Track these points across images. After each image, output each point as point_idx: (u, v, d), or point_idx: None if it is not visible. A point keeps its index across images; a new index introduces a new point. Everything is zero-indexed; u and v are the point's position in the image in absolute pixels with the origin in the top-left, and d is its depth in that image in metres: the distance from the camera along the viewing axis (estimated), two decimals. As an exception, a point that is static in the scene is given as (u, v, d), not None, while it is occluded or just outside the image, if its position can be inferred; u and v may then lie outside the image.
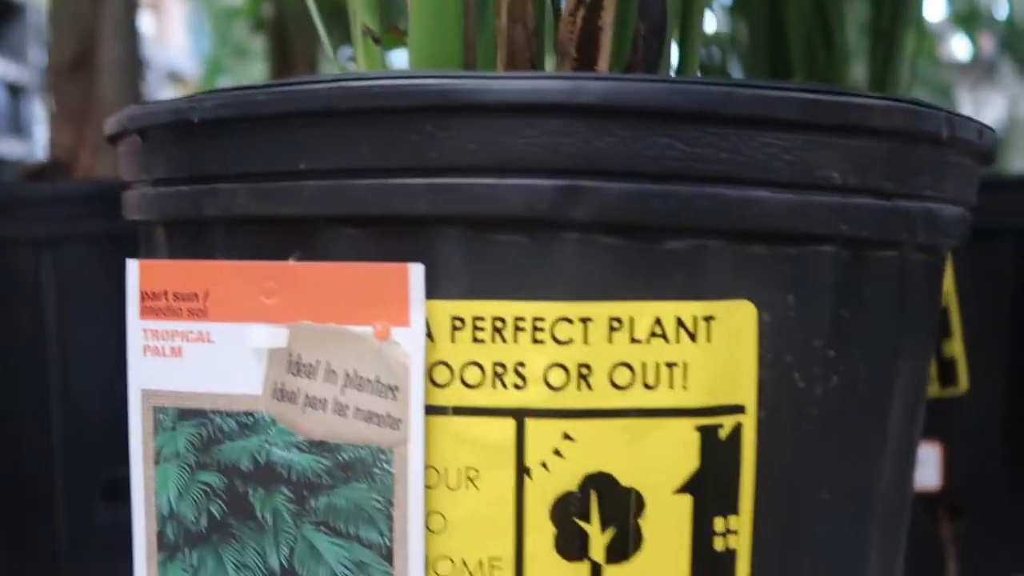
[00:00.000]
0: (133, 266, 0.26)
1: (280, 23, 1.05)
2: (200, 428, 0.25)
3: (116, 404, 0.62)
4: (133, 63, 0.66)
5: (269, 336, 0.24)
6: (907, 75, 0.65)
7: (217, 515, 0.25)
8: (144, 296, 0.26)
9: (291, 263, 0.24)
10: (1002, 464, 0.57)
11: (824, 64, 0.63)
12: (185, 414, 0.26)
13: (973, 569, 0.57)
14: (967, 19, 2.10)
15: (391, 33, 0.31)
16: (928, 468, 0.57)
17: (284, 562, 0.25)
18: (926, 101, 0.25)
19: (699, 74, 0.30)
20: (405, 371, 0.23)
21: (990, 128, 0.27)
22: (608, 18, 0.28)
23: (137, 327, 0.26)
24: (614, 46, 0.28)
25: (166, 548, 0.26)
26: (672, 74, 0.30)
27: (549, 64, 0.30)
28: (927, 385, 0.30)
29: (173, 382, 0.26)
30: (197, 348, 0.25)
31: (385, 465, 0.23)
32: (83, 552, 0.58)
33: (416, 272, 0.23)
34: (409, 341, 0.23)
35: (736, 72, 0.68)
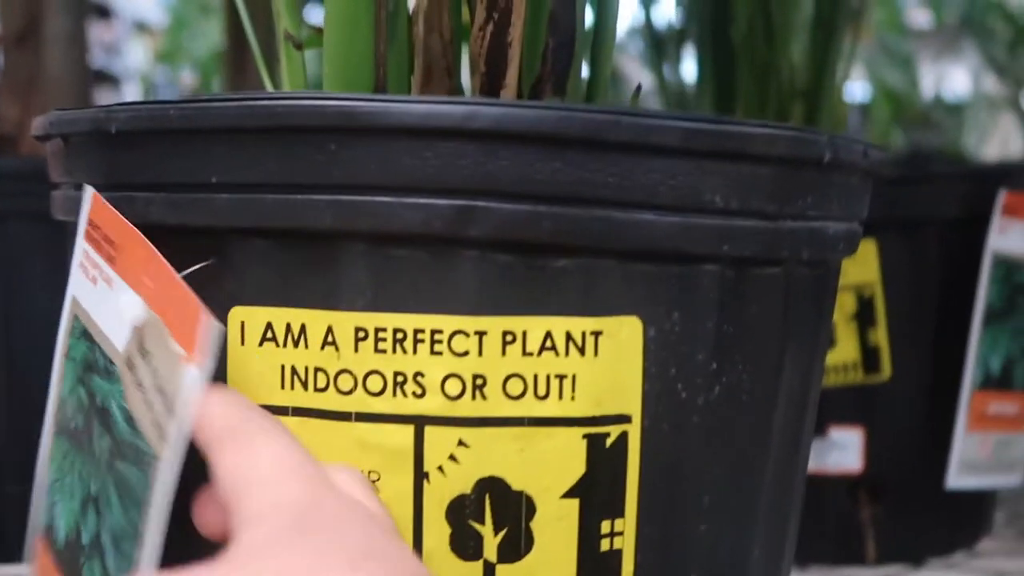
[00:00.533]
0: (88, 191, 0.27)
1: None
2: (88, 351, 0.27)
3: (42, 389, 0.63)
4: (80, 36, 0.66)
5: (136, 309, 0.25)
6: (845, 66, 0.66)
7: (79, 426, 0.28)
8: (90, 222, 0.27)
9: (166, 266, 0.25)
10: (921, 449, 0.59)
11: (765, 55, 0.64)
12: (85, 333, 0.27)
13: (890, 550, 0.60)
14: (931, -7, 2.11)
15: (314, 34, 0.32)
16: (850, 452, 0.59)
17: (94, 493, 0.27)
18: (811, 129, 0.26)
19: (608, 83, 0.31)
20: (184, 404, 0.23)
21: (877, 147, 0.29)
22: (516, 33, 0.29)
23: (81, 245, 0.28)
24: (523, 60, 0.29)
25: (57, 425, 0.29)
26: (584, 85, 0.31)
27: (467, 71, 0.31)
28: (818, 383, 0.31)
29: (87, 301, 0.28)
30: (103, 287, 0.27)
31: (148, 468, 0.24)
32: (26, 509, 0.59)
33: (206, 321, 0.23)
34: (191, 379, 0.23)
35: (689, 64, 0.69)
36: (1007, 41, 1.55)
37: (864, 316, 0.58)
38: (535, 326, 0.25)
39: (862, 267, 0.58)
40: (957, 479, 0.57)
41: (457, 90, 0.31)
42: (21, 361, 0.58)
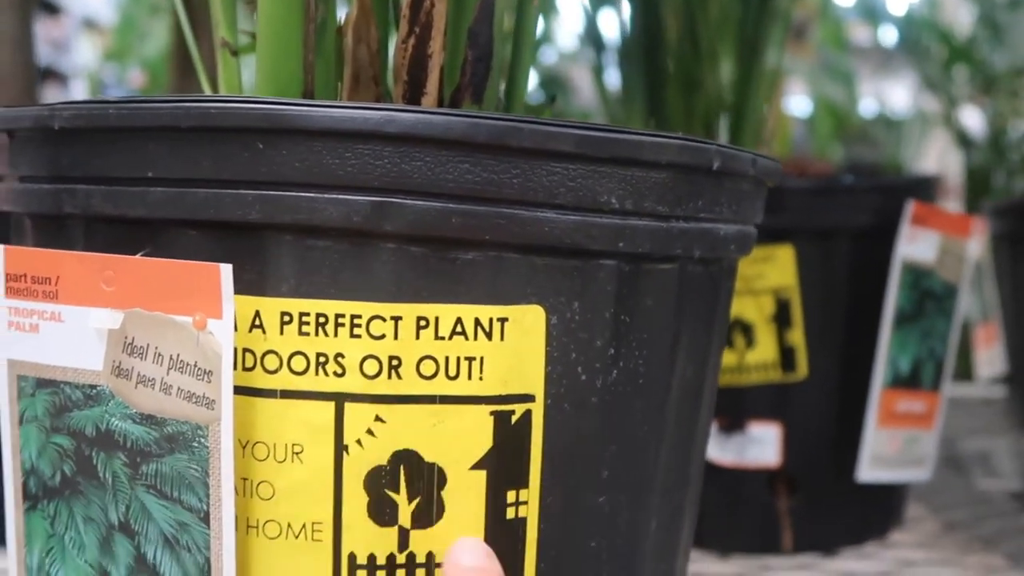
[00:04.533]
0: (0, 251, 0.29)
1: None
2: (54, 396, 0.28)
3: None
4: (26, 36, 0.67)
5: (108, 319, 0.27)
6: (774, 84, 0.69)
7: (68, 473, 0.29)
8: (8, 277, 0.29)
9: (127, 257, 0.27)
10: (835, 444, 0.62)
11: (693, 72, 0.67)
12: (42, 383, 0.29)
13: (806, 540, 0.63)
14: (870, 13, 2.16)
15: (251, 40, 0.34)
16: (768, 447, 0.62)
17: (121, 517, 0.28)
18: (699, 138, 0.29)
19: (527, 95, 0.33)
20: (218, 358, 0.26)
21: (766, 157, 0.32)
22: (436, 46, 0.31)
23: (4, 305, 0.29)
24: (444, 71, 0.32)
25: (29, 498, 0.29)
26: (502, 96, 0.34)
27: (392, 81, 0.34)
28: (714, 375, 0.34)
29: (32, 355, 0.29)
30: (50, 326, 0.28)
31: (202, 439, 0.27)
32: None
33: (226, 272, 0.26)
34: (221, 332, 0.26)
35: (614, 76, 0.72)
36: (942, 60, 1.60)
37: (782, 318, 0.61)
38: (446, 312, 0.27)
39: (780, 272, 0.61)
40: (868, 473, 0.60)
41: (384, 96, 0.33)
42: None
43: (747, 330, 0.62)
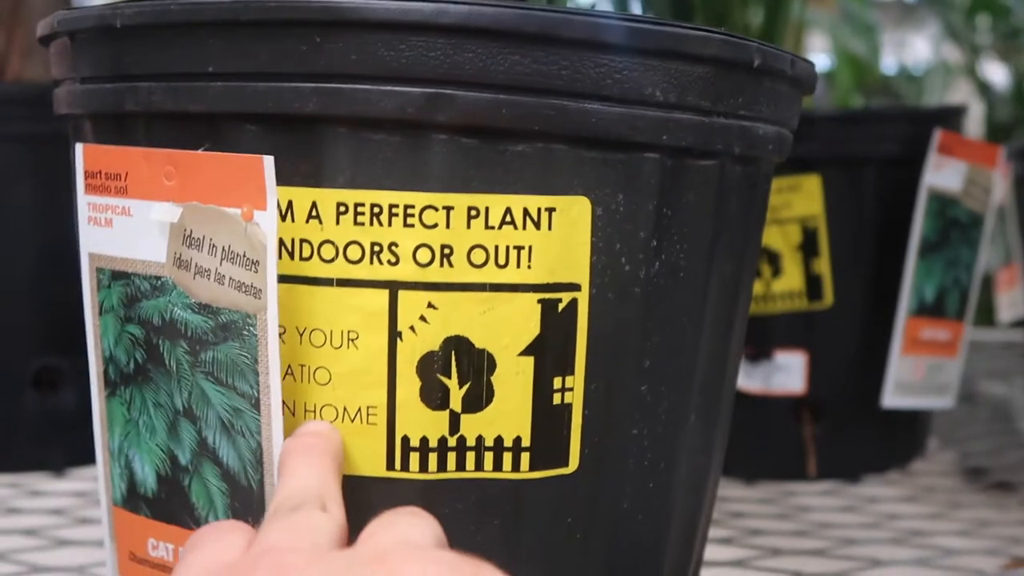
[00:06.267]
0: (79, 148, 0.30)
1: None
2: (126, 287, 0.30)
3: (44, 297, 0.66)
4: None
5: (168, 212, 0.28)
6: (796, 21, 0.69)
7: (140, 360, 0.30)
8: (87, 175, 0.30)
9: (185, 152, 0.28)
10: (860, 372, 0.63)
11: (721, 8, 0.67)
12: (116, 275, 0.30)
13: (830, 466, 0.64)
14: (892, -37, 2.14)
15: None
16: (794, 374, 0.63)
17: (185, 403, 0.29)
18: (741, 35, 0.30)
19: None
20: (263, 248, 0.27)
21: (806, 60, 0.32)
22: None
23: (84, 201, 0.30)
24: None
25: (109, 385, 0.31)
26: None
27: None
28: (750, 279, 0.35)
29: (108, 248, 0.30)
30: (122, 220, 0.29)
31: (251, 328, 0.28)
32: (16, 438, 0.61)
33: (269, 163, 0.27)
34: (266, 222, 0.27)
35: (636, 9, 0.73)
36: (964, 9, 1.59)
37: (808, 247, 0.62)
38: (496, 203, 0.28)
39: (807, 201, 0.61)
40: (892, 399, 0.61)
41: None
42: (5, 278, 0.61)
43: (773, 259, 0.62)
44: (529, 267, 0.29)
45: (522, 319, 0.29)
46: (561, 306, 0.29)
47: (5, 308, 0.61)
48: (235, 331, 0.28)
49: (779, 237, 0.62)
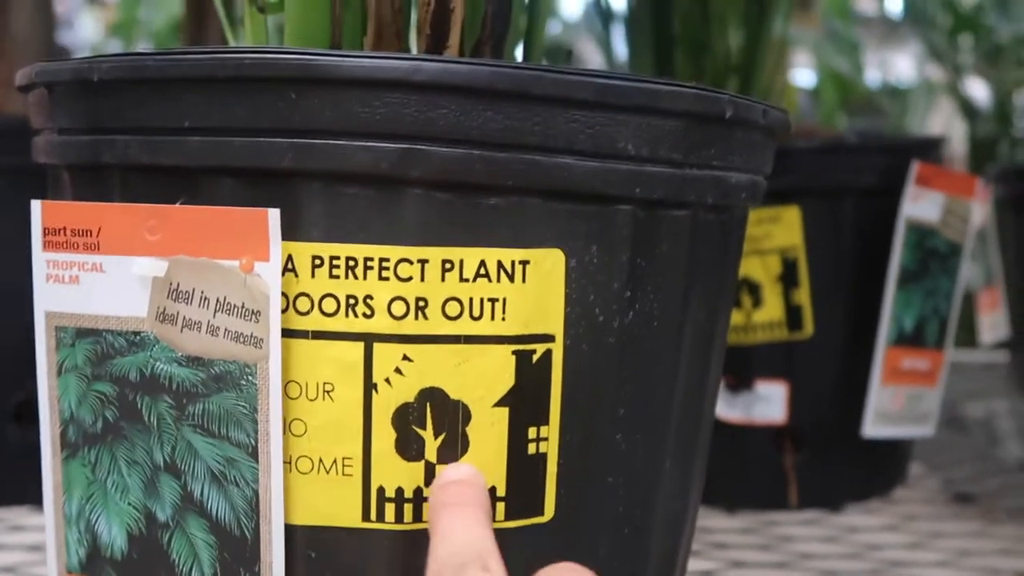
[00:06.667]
0: (36, 206, 0.30)
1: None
2: (95, 345, 0.30)
3: (24, 330, 0.65)
4: (45, 4, 0.68)
5: (152, 267, 0.28)
6: (779, 39, 0.70)
7: (111, 419, 0.30)
8: (46, 231, 0.30)
9: (171, 206, 0.28)
10: (840, 401, 0.63)
11: (702, 34, 0.68)
12: (82, 333, 0.30)
13: (812, 496, 0.64)
14: (874, -17, 2.15)
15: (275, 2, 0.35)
16: (775, 404, 0.63)
17: (167, 458, 0.29)
18: (711, 88, 0.30)
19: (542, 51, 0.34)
20: (266, 298, 0.27)
21: (777, 109, 0.33)
22: (458, 2, 0.32)
23: (41, 259, 0.30)
24: (464, 25, 0.33)
25: (68, 447, 0.31)
26: (521, 51, 0.35)
27: (415, 36, 0.35)
28: (725, 322, 0.35)
29: (72, 305, 0.30)
30: (91, 276, 0.29)
31: (250, 377, 0.28)
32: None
33: (274, 216, 0.27)
34: (268, 273, 0.27)
35: (620, 45, 0.73)
36: (947, 29, 1.60)
37: (788, 277, 0.62)
38: (471, 255, 0.28)
39: (787, 232, 0.62)
40: (873, 429, 0.62)
41: (406, 51, 0.34)
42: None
43: (754, 289, 0.63)
44: (503, 319, 0.29)
45: (497, 370, 0.29)
46: (535, 357, 0.29)
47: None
48: (231, 382, 0.28)
49: (759, 268, 0.63)
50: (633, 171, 0.29)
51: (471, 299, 0.29)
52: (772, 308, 0.63)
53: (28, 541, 0.56)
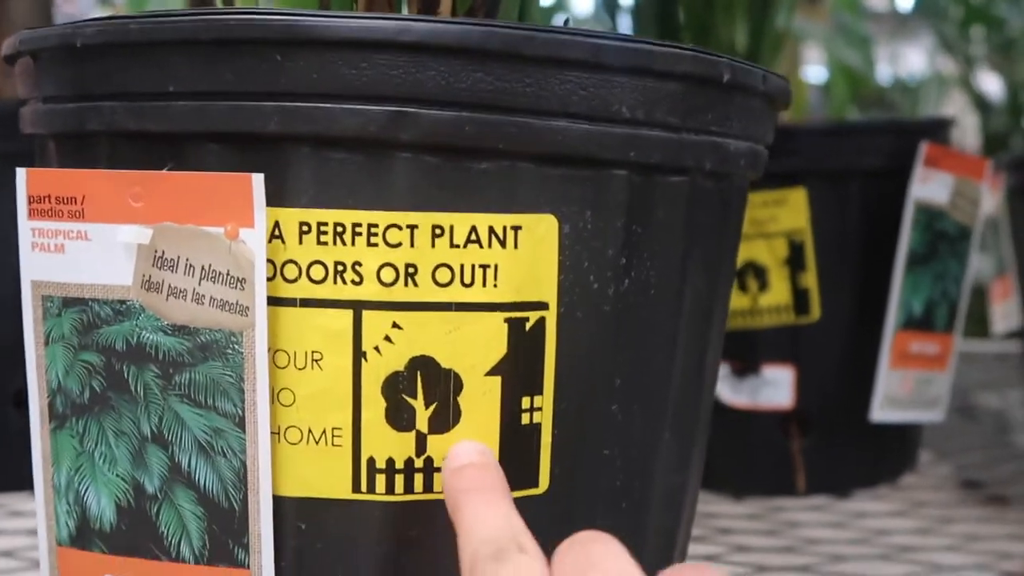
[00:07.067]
0: (21, 174, 0.29)
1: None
2: (81, 314, 0.29)
3: (21, 316, 0.65)
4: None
5: (137, 234, 0.28)
6: (785, 31, 0.69)
7: (97, 389, 0.29)
8: (31, 199, 0.29)
9: (155, 172, 0.28)
10: (848, 386, 0.62)
11: (705, 14, 0.67)
12: (68, 302, 0.29)
13: (819, 481, 0.63)
14: (885, -24, 2.14)
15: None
16: (782, 389, 0.62)
17: (154, 429, 0.29)
18: (711, 51, 0.29)
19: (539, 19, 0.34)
20: (251, 265, 0.27)
21: (777, 76, 0.32)
22: (451, -34, 0.31)
23: (26, 227, 0.29)
24: (458, -8, 0.32)
25: (56, 418, 0.30)
26: (516, 17, 0.34)
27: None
28: (726, 294, 0.34)
29: (57, 274, 0.29)
30: (76, 244, 0.29)
31: (236, 346, 0.27)
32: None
33: (258, 181, 0.27)
34: (253, 240, 0.27)
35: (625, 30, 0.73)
36: (958, 21, 1.59)
37: (795, 261, 0.61)
38: (461, 221, 0.28)
39: (793, 215, 0.61)
40: (881, 413, 0.61)
41: (398, 4, 0.33)
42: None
43: (760, 273, 0.62)
44: (495, 286, 0.28)
45: (489, 339, 0.28)
46: (528, 325, 0.29)
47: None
48: (217, 351, 0.28)
49: (765, 251, 0.62)
50: (628, 135, 0.28)
51: (462, 265, 0.28)
52: (779, 292, 0.62)
53: (28, 526, 0.56)
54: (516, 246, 0.28)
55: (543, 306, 0.29)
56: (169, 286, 0.28)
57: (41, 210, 0.29)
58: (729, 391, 0.63)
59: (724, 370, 0.62)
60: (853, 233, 0.61)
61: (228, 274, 0.27)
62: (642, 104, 0.28)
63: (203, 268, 0.27)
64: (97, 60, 0.29)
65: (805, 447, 0.63)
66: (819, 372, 0.62)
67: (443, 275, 0.28)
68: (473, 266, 0.28)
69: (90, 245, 0.29)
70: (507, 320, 0.28)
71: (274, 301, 0.28)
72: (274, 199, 0.28)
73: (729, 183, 0.32)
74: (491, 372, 0.28)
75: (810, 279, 0.62)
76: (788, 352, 0.62)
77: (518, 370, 0.29)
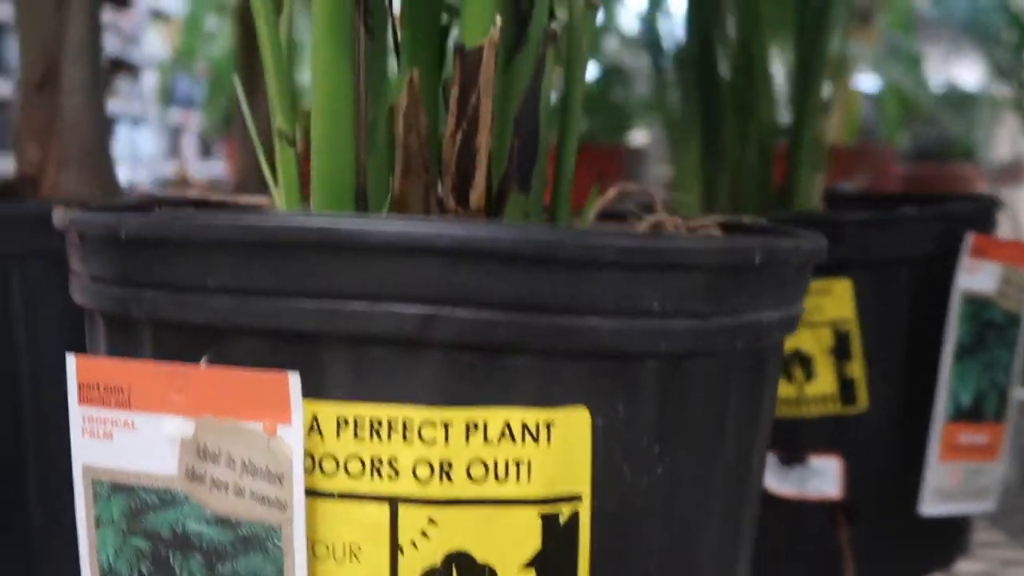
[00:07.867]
0: (71, 360, 0.30)
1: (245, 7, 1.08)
2: (129, 500, 0.30)
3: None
4: (96, 83, 0.69)
5: (180, 427, 0.29)
6: (821, 111, 0.69)
7: (146, 573, 0.30)
8: (81, 386, 0.30)
9: (196, 367, 0.28)
10: (896, 476, 0.61)
11: (747, 94, 0.67)
12: (117, 488, 0.30)
13: (868, 572, 0.62)
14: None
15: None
16: (829, 478, 0.62)
17: None
18: (742, 234, 0.29)
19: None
20: (289, 462, 0.27)
21: (811, 239, 0.32)
22: (483, 140, 0.32)
23: (77, 413, 0.30)
24: (491, 157, 0.32)
25: None
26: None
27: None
28: (763, 447, 0.34)
29: (106, 460, 0.30)
30: (123, 433, 0.30)
31: (276, 540, 0.28)
32: (59, 551, 0.62)
33: (295, 380, 0.27)
34: (291, 436, 0.27)
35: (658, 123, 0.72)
36: (1012, 44, 1.56)
37: (841, 350, 0.61)
38: (494, 416, 0.28)
39: (838, 305, 0.60)
40: (930, 506, 0.60)
41: (434, 184, 0.34)
42: (47, 394, 0.61)
43: (806, 362, 0.61)
44: (529, 480, 0.28)
45: (523, 533, 0.28)
46: (563, 518, 0.29)
47: (46, 426, 0.61)
48: (257, 543, 0.28)
49: (811, 340, 0.61)
50: (658, 326, 0.28)
51: (496, 461, 0.28)
52: (824, 381, 0.61)
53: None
54: (549, 440, 0.28)
55: (577, 499, 0.29)
56: (212, 478, 0.29)
57: (91, 397, 0.30)
58: (776, 480, 0.62)
59: (770, 459, 0.62)
60: (899, 321, 0.61)
61: (267, 469, 0.28)
62: (672, 297, 0.28)
63: (243, 462, 0.28)
64: (140, 251, 0.30)
65: (853, 537, 0.62)
66: (867, 462, 0.61)
67: (477, 471, 0.28)
68: (507, 461, 0.28)
69: (136, 434, 0.29)
70: (541, 514, 0.28)
71: (314, 493, 0.29)
72: (312, 392, 0.28)
73: (762, 352, 0.32)
74: (527, 565, 0.29)
75: (856, 369, 0.61)
76: (835, 441, 0.61)
77: (553, 563, 0.29)
